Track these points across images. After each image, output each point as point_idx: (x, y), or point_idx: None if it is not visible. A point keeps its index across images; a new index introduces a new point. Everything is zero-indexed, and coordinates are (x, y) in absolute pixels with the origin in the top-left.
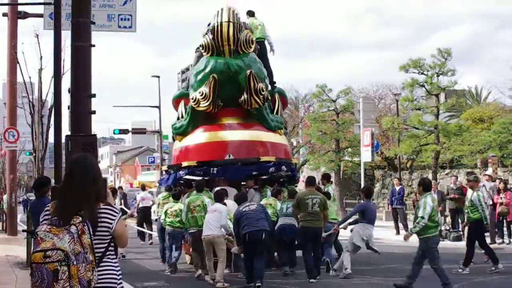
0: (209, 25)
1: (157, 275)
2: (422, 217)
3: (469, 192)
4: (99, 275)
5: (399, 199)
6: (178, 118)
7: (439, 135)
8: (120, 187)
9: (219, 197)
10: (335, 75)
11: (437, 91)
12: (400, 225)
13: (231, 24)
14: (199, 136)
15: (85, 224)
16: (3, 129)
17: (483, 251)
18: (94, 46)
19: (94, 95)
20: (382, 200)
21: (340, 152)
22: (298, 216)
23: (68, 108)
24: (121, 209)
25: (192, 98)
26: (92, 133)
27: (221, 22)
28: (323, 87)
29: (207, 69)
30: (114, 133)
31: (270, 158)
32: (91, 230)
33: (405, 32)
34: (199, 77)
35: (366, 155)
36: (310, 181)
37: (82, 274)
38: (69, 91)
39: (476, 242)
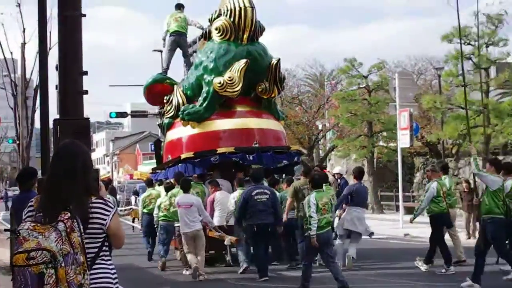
0: (218, 10)
1: (160, 279)
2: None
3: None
4: (91, 278)
5: None
6: (178, 104)
7: (489, 115)
8: (109, 180)
9: (187, 186)
10: (366, 47)
11: (487, 64)
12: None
13: (253, 10)
14: (221, 123)
15: (75, 220)
16: None
17: None
18: (84, 15)
19: (86, 73)
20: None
21: (373, 137)
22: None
23: (56, 88)
24: None
25: (220, 83)
26: (84, 116)
27: (245, 7)
28: (352, 61)
29: (230, 54)
30: (110, 117)
31: (297, 147)
32: (81, 227)
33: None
34: (222, 61)
35: (403, 139)
36: (307, 171)
37: (72, 277)
38: (56, 68)
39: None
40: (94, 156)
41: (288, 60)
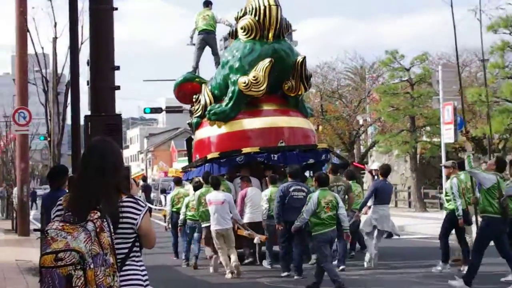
0: (244, 8)
1: (192, 280)
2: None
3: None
4: (121, 280)
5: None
6: (205, 104)
7: None
8: (144, 178)
9: (217, 183)
10: (408, 38)
11: None
12: None
13: (278, 8)
14: (247, 122)
15: (105, 220)
16: (12, 110)
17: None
18: (116, 9)
19: (118, 68)
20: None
21: (416, 132)
22: None
23: (88, 84)
24: None
25: (244, 82)
26: (117, 112)
27: (270, 5)
28: (394, 54)
29: (255, 53)
30: (144, 113)
31: (324, 145)
32: (111, 227)
33: None
34: (247, 60)
35: (447, 134)
36: (335, 169)
37: (101, 279)
38: (88, 63)
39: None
40: (127, 153)
41: (327, 53)
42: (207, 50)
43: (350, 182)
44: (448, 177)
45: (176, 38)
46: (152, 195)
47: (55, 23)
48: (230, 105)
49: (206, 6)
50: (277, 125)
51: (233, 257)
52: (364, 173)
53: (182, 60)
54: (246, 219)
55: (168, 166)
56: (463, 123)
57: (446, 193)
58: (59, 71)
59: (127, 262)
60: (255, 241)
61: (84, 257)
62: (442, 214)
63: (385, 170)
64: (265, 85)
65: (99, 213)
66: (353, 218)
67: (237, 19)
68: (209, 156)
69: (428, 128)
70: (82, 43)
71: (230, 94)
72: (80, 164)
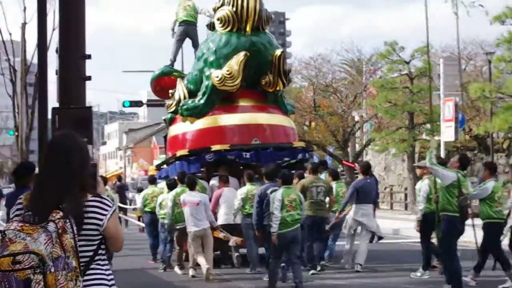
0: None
1: (162, 282)
2: None
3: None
4: (85, 285)
5: None
6: (179, 99)
7: None
8: (119, 177)
9: (192, 183)
10: (409, 29)
11: None
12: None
13: None
14: (219, 118)
15: (67, 220)
16: None
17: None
18: None
19: (88, 56)
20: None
21: (414, 129)
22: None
23: (56, 73)
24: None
25: (217, 77)
26: (87, 105)
27: None
28: (393, 45)
29: (231, 45)
30: (124, 106)
31: (300, 143)
32: (74, 228)
33: None
34: (222, 53)
35: (447, 132)
36: (314, 169)
37: (62, 284)
38: (56, 51)
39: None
40: (105, 149)
41: (323, 44)
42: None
43: (334, 182)
44: (420, 178)
45: (160, 27)
46: (130, 195)
47: (24, 8)
48: (203, 100)
49: None
50: (255, 122)
51: (208, 258)
52: (357, 173)
53: (166, 51)
54: (221, 221)
55: (149, 164)
56: (464, 120)
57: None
58: (28, 59)
59: (92, 266)
60: (230, 243)
61: (44, 260)
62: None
63: (365, 168)
64: (239, 80)
65: (61, 213)
66: (333, 220)
67: (215, 10)
68: (178, 154)
69: (428, 126)
70: (54, 30)
71: (204, 89)
72: (42, 159)
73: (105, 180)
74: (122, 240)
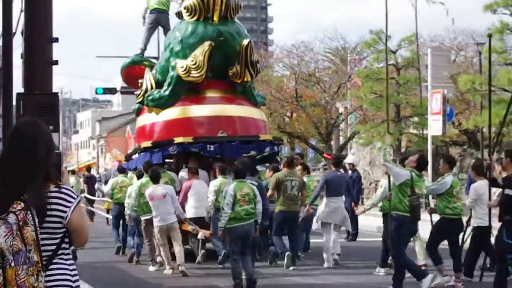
0: None
1: (128, 277)
2: None
3: None
4: (48, 280)
5: None
6: (146, 89)
7: None
8: (89, 168)
9: (156, 176)
10: (396, 17)
11: None
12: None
13: None
14: (185, 110)
15: (29, 212)
16: None
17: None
18: None
19: (55, 39)
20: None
21: (401, 122)
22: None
23: (21, 57)
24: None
25: (182, 67)
26: (58, 91)
27: None
28: (379, 34)
29: (197, 35)
30: (97, 93)
31: (268, 136)
32: (36, 220)
33: None
34: (188, 43)
35: (435, 126)
36: (290, 162)
37: (23, 279)
38: (22, 33)
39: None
40: (77, 139)
41: (304, 31)
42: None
43: (306, 176)
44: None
45: (137, 12)
46: (102, 187)
47: None
48: (168, 91)
49: None
50: (224, 113)
51: (179, 256)
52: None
53: (139, 35)
54: (190, 214)
55: (123, 154)
56: (453, 113)
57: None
58: None
59: (55, 260)
60: (198, 236)
61: (4, 253)
62: (425, 215)
63: (336, 160)
64: (204, 70)
65: (23, 204)
66: (303, 214)
67: None
68: (142, 145)
69: (415, 119)
70: (22, 11)
71: (169, 80)
72: (3, 147)
73: (88, 170)
74: (87, 234)
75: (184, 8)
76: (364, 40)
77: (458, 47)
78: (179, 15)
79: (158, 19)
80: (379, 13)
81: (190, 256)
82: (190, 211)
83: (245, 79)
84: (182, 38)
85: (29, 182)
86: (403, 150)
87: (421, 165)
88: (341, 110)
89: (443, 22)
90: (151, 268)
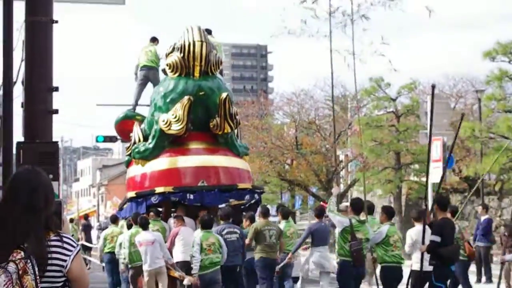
0: (173, 45)
1: None
2: None
3: None
4: None
5: (482, 234)
6: (134, 142)
7: None
8: (86, 216)
9: (145, 223)
10: (396, 64)
11: None
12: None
13: (204, 43)
14: (169, 161)
15: (29, 261)
16: None
17: None
18: (56, 22)
19: (56, 89)
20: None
21: (401, 170)
22: (256, 248)
23: (22, 106)
24: (82, 245)
25: (163, 121)
26: (58, 139)
27: (194, 41)
28: (378, 81)
29: (178, 90)
30: (97, 141)
31: (247, 185)
32: (36, 269)
33: (492, 7)
34: (169, 98)
35: (435, 173)
36: (265, 212)
37: None
38: (22, 83)
39: None
40: (77, 186)
41: (304, 80)
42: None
43: (284, 221)
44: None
45: (135, 60)
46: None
47: None
48: (152, 143)
49: (153, 41)
50: (208, 164)
51: None
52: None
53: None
54: (178, 258)
55: None
56: (453, 161)
57: None
58: None
59: None
60: (184, 282)
61: None
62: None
63: (319, 212)
64: (184, 123)
65: (22, 253)
66: (285, 260)
67: (166, 56)
68: (128, 196)
69: (416, 166)
70: (22, 61)
71: (153, 133)
72: (2, 197)
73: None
74: (87, 283)
75: (167, 65)
76: (363, 88)
77: (458, 94)
78: (164, 71)
79: (148, 75)
80: (378, 62)
81: None
82: (178, 256)
83: (225, 131)
84: (165, 93)
85: (29, 231)
86: (403, 197)
87: (355, 209)
88: (341, 157)
89: (442, 69)
90: None
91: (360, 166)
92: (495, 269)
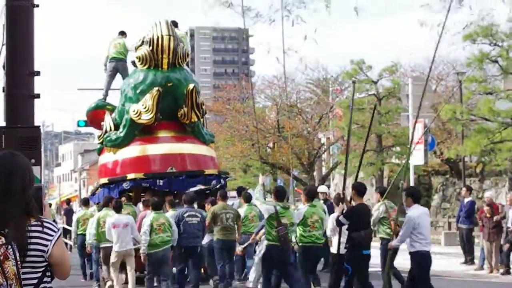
0: (142, 39)
1: None
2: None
3: None
4: None
5: (465, 216)
6: (106, 131)
7: None
8: (68, 201)
9: (119, 207)
10: (376, 47)
11: None
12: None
13: (171, 37)
14: (139, 149)
15: (10, 246)
16: None
17: None
18: (37, 6)
19: (37, 73)
20: (443, 218)
21: (383, 152)
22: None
23: (3, 91)
24: (63, 228)
25: (134, 111)
26: (39, 124)
27: (162, 35)
28: (359, 64)
29: (147, 82)
30: (78, 126)
31: (213, 171)
32: (17, 254)
33: None
34: (139, 89)
35: (417, 156)
36: (224, 195)
37: None
38: (3, 67)
39: None
40: (59, 171)
41: (286, 63)
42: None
43: (246, 204)
44: None
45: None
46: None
47: None
48: (123, 132)
49: (121, 34)
50: (175, 151)
51: (131, 279)
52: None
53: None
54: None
55: None
56: (434, 143)
57: None
58: None
59: None
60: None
61: None
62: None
63: (280, 193)
64: (154, 113)
65: (3, 239)
66: (248, 241)
67: (136, 49)
68: (101, 182)
69: (397, 149)
70: (3, 45)
71: (124, 122)
72: None
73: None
74: (69, 267)
75: (137, 57)
76: (345, 70)
77: (439, 76)
78: (134, 63)
79: (117, 67)
80: (359, 43)
81: (139, 281)
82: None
83: (192, 120)
84: (135, 85)
85: (9, 217)
86: (385, 180)
87: (278, 196)
88: (323, 140)
89: (424, 51)
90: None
91: (341, 149)
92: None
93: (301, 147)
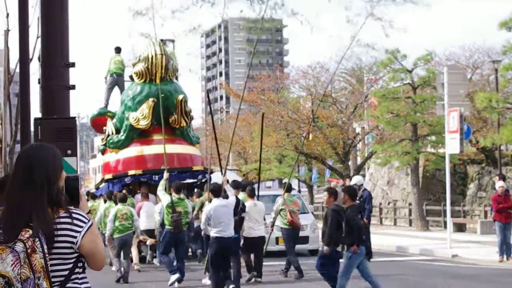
0: (138, 57)
1: None
2: None
3: None
4: None
5: None
6: (108, 134)
7: None
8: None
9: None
10: (412, 36)
11: None
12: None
13: (163, 56)
14: (137, 149)
15: (37, 239)
16: None
17: None
18: None
19: (72, 65)
20: (478, 206)
21: (418, 141)
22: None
23: (39, 83)
24: None
25: (133, 118)
26: (74, 115)
27: (156, 54)
28: (394, 53)
29: (144, 93)
30: None
31: (200, 167)
32: (45, 247)
33: None
34: (137, 99)
35: (452, 144)
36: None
37: None
38: (39, 59)
39: None
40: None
41: (320, 53)
42: None
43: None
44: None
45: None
46: None
47: (7, 14)
48: (124, 136)
49: (117, 52)
50: (166, 151)
51: (134, 253)
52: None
53: None
54: (143, 226)
55: None
56: (470, 132)
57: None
58: (12, 68)
59: (68, 285)
60: (147, 243)
61: (12, 282)
62: (446, 234)
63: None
64: (150, 120)
65: (30, 231)
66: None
67: (133, 65)
68: (106, 177)
69: (433, 138)
70: (38, 37)
71: (124, 127)
72: (12, 174)
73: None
74: (103, 257)
75: (134, 73)
76: (379, 60)
77: (474, 65)
78: (131, 77)
79: (116, 81)
80: (395, 33)
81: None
82: (142, 224)
83: (181, 125)
84: (133, 96)
85: (35, 208)
86: (421, 169)
87: (176, 189)
88: (358, 130)
89: (459, 40)
90: (113, 268)
91: (376, 139)
92: None
93: (336, 137)
